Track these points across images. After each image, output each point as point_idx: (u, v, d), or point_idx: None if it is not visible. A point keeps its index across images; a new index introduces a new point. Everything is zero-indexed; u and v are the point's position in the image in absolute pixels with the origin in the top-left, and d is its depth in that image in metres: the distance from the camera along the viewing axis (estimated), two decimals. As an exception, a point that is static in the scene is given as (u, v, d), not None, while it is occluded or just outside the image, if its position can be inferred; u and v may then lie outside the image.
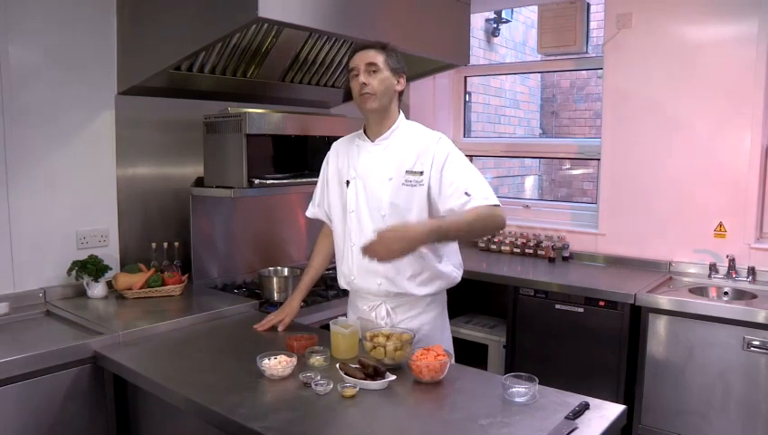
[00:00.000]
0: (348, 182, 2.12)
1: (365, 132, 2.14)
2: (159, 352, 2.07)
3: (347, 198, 2.11)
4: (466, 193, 1.96)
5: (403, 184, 2.02)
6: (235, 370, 1.85)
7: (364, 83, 1.99)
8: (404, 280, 2.05)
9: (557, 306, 3.09)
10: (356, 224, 2.09)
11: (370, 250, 1.81)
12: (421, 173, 2.01)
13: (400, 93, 2.09)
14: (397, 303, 2.10)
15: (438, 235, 1.87)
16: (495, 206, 1.95)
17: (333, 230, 2.22)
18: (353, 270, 2.12)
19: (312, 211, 2.33)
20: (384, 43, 2.05)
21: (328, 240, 2.30)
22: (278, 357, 1.82)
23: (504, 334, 3.33)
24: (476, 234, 1.94)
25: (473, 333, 3.53)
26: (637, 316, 2.89)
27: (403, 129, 2.10)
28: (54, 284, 2.54)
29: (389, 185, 2.03)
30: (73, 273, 2.51)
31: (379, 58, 2.00)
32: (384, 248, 1.80)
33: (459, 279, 2.19)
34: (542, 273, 3.36)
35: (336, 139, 2.27)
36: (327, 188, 2.23)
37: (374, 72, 1.99)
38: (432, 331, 2.13)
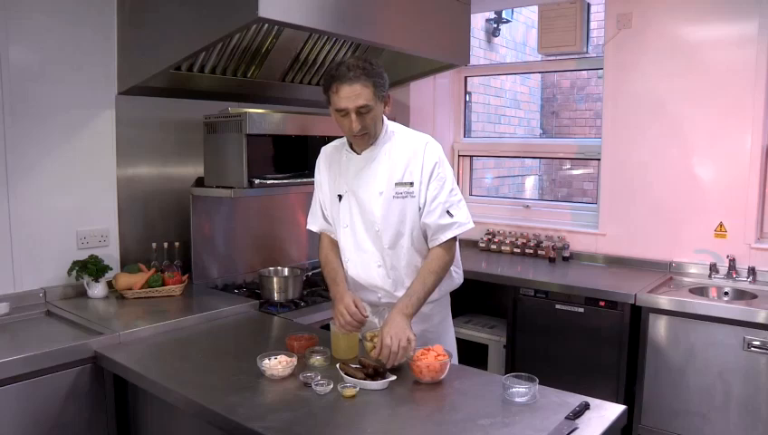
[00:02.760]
0: (340, 197, 2.06)
1: (350, 145, 2.05)
2: (159, 353, 2.07)
3: (340, 213, 2.06)
4: (449, 213, 1.96)
5: (394, 197, 1.97)
6: (235, 370, 1.85)
7: (360, 127, 1.87)
8: (403, 293, 1.99)
9: (557, 306, 3.09)
10: (351, 239, 2.05)
11: (387, 356, 1.76)
12: (411, 184, 1.97)
13: None
14: None
15: (411, 316, 1.86)
16: (453, 241, 1.98)
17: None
18: (349, 285, 2.08)
19: (320, 225, 2.18)
20: (368, 66, 1.85)
21: (335, 246, 2.15)
22: (278, 357, 1.82)
23: (504, 334, 3.33)
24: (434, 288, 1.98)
25: (473, 333, 3.53)
26: (637, 316, 2.88)
27: (389, 137, 2.01)
28: (55, 284, 2.54)
29: (380, 199, 1.98)
30: (74, 273, 2.51)
31: (367, 93, 1.83)
32: (395, 351, 1.77)
33: (460, 282, 2.19)
34: (542, 273, 3.36)
35: (336, 138, 2.26)
36: (327, 198, 2.13)
37: (366, 112, 1.86)
38: (436, 335, 2.12)
